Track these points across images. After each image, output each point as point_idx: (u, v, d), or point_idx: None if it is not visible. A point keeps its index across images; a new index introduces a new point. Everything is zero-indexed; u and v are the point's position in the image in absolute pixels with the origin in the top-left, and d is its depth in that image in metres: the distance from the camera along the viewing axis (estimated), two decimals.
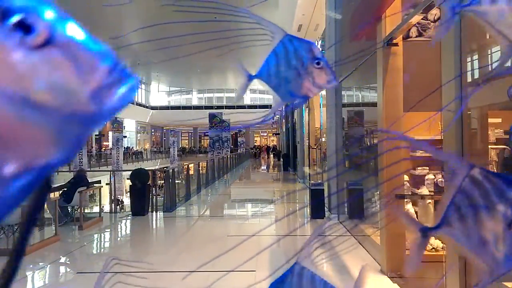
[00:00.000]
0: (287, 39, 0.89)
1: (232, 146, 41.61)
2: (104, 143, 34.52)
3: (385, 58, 4.66)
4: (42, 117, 0.37)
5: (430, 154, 0.72)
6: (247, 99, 53.26)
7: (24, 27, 0.38)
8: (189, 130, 55.80)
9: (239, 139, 42.82)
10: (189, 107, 50.95)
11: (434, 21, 4.69)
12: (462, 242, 0.67)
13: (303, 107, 15.50)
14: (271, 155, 44.80)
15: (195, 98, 54.01)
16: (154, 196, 9.81)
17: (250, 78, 0.99)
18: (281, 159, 27.14)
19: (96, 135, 32.95)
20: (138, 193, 9.07)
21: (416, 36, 4.84)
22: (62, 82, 0.39)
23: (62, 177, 15.43)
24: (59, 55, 0.40)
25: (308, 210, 8.59)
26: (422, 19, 4.49)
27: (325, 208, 8.48)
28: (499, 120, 4.47)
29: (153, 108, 49.02)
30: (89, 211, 9.58)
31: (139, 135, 45.14)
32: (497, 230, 0.62)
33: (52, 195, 8.46)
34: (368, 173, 8.31)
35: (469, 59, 3.07)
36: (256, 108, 50.80)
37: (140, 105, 45.87)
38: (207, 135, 29.55)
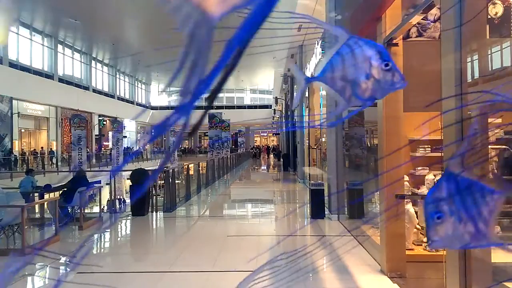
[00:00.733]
0: (353, 41, 0.89)
1: (233, 146, 41.64)
2: (104, 143, 34.51)
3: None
4: None
5: None
6: (247, 99, 53.24)
7: None
8: (189, 130, 55.70)
9: (239, 139, 42.79)
10: None
11: (434, 21, 4.70)
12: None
13: (303, 107, 15.49)
14: (271, 155, 44.78)
15: None
16: (154, 196, 9.81)
17: (308, 80, 0.98)
18: (281, 159, 27.14)
19: (96, 135, 32.96)
20: (137, 193, 9.06)
21: (416, 36, 4.84)
22: None
23: (62, 177, 15.42)
24: None
25: (308, 210, 8.59)
26: (422, 19, 4.49)
27: (325, 208, 8.47)
28: (499, 120, 4.47)
29: (153, 108, 49.03)
30: (89, 211, 9.58)
31: (139, 135, 45.12)
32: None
33: (52, 195, 8.47)
34: (368, 174, 8.33)
35: (469, 59, 3.07)
36: (256, 108, 50.81)
37: (140, 105, 45.88)
38: (207, 135, 29.54)
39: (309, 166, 14.37)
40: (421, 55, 4.99)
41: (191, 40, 0.50)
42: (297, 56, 17.19)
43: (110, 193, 10.14)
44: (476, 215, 0.81)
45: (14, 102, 22.81)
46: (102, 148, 33.16)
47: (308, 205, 8.68)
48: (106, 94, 36.64)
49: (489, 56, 3.59)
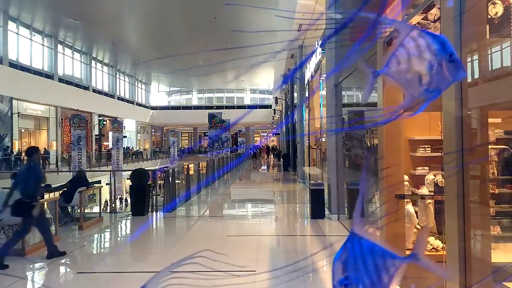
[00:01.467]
0: (416, 33, 0.89)
1: (234, 146, 41.62)
2: (104, 143, 34.52)
3: (385, 58, 4.66)
4: None
5: None
6: (247, 99, 53.27)
7: None
8: (189, 130, 55.82)
9: (239, 139, 42.80)
10: (189, 107, 50.99)
11: (434, 21, 4.69)
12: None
13: (303, 107, 15.50)
14: (271, 155, 44.74)
15: (195, 98, 54.03)
16: (154, 196, 9.81)
17: (376, 74, 0.98)
18: (281, 159, 27.14)
19: (96, 135, 32.96)
20: (138, 193, 9.08)
21: None
22: None
23: (63, 177, 15.43)
24: None
25: (308, 210, 8.59)
26: (422, 19, 4.49)
27: (325, 208, 8.48)
28: (499, 120, 4.47)
29: (153, 108, 49.05)
30: (89, 211, 9.58)
31: (139, 135, 45.14)
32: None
33: (52, 195, 8.46)
34: (368, 174, 8.32)
35: (469, 59, 3.07)
36: (256, 108, 50.79)
37: (140, 105, 45.89)
38: (207, 135, 29.54)
39: (309, 166, 14.37)
40: None
41: None
42: (297, 56, 17.20)
43: (110, 193, 10.15)
44: (376, 281, 0.78)
45: (14, 102, 22.81)
46: (102, 148, 33.19)
47: (308, 205, 8.69)
48: (106, 94, 36.64)
49: (489, 56, 3.59)
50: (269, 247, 6.37)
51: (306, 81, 14.35)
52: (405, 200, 4.95)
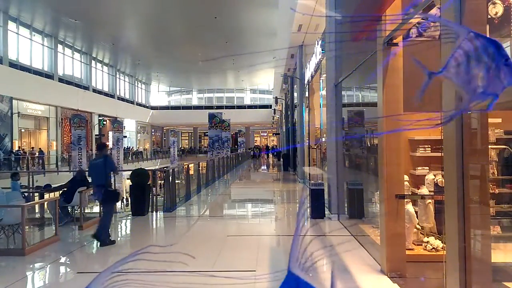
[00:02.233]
0: (473, 36, 0.90)
1: (235, 146, 41.60)
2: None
3: (385, 58, 4.66)
4: None
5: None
6: (247, 99, 53.27)
7: None
8: (189, 130, 55.83)
9: (239, 139, 42.80)
10: (189, 107, 51.00)
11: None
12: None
13: (303, 107, 15.50)
14: (271, 155, 44.69)
15: (195, 98, 54.03)
16: (154, 196, 9.80)
17: (432, 75, 0.99)
18: (281, 159, 27.14)
19: (96, 135, 32.97)
20: (138, 193, 9.08)
21: (416, 36, 4.84)
22: None
23: (63, 177, 15.42)
24: None
25: (308, 210, 8.59)
26: (422, 19, 4.49)
27: (325, 208, 8.47)
28: (499, 120, 4.47)
29: (153, 108, 49.06)
30: (89, 211, 9.58)
31: (139, 135, 45.14)
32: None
33: (52, 195, 8.46)
34: (368, 174, 8.32)
35: None
36: (256, 108, 50.81)
37: (140, 105, 45.89)
38: (207, 135, 29.56)
39: (309, 166, 14.37)
40: (421, 55, 4.98)
41: None
42: (297, 56, 17.20)
43: None
44: None
45: (14, 102, 22.81)
46: None
47: (308, 205, 8.68)
48: (106, 94, 36.64)
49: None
50: (269, 247, 6.37)
51: (306, 81, 14.35)
52: (405, 200, 4.95)
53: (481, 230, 3.18)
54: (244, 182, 19.70)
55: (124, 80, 41.73)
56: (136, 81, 45.10)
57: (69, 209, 8.32)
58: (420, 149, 5.55)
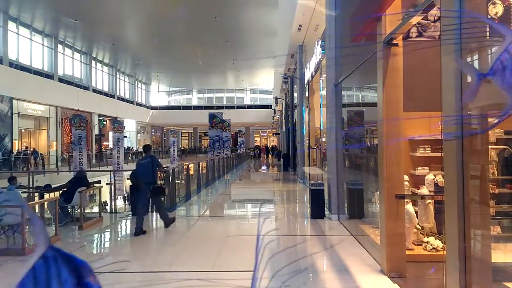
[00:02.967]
0: None
1: (235, 146, 41.58)
2: (104, 143, 34.53)
3: (385, 58, 4.66)
4: None
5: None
6: (247, 99, 53.28)
7: None
8: (189, 130, 55.83)
9: (239, 139, 42.78)
10: (189, 107, 51.00)
11: (434, 21, 4.69)
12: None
13: (303, 107, 15.49)
14: (271, 155, 44.70)
15: (195, 98, 54.03)
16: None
17: (481, 76, 0.99)
18: (281, 159, 27.14)
19: (96, 135, 32.99)
20: (138, 193, 9.07)
21: (416, 36, 4.84)
22: None
23: (63, 177, 15.43)
24: None
25: (308, 210, 8.59)
26: (422, 19, 4.49)
27: (325, 208, 8.47)
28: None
29: (153, 108, 49.06)
30: (89, 211, 9.58)
31: (139, 135, 45.15)
32: None
33: (52, 195, 8.46)
34: (368, 173, 8.33)
35: (469, 59, 3.07)
36: (256, 108, 50.82)
37: (140, 105, 45.90)
38: (207, 135, 29.56)
39: (309, 166, 14.37)
40: (421, 55, 4.99)
41: None
42: (297, 56, 17.20)
43: (110, 193, 10.14)
44: None
45: (14, 102, 22.81)
46: (102, 148, 33.18)
47: (308, 205, 8.69)
48: (106, 94, 36.65)
49: (489, 56, 3.59)
50: (269, 247, 6.36)
51: (306, 81, 14.35)
52: (405, 200, 4.95)
53: (481, 230, 3.18)
54: (244, 182, 19.70)
55: (124, 80, 41.73)
56: (136, 81, 45.11)
57: (69, 209, 8.32)
58: (420, 149, 5.55)
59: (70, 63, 30.64)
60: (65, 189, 8.32)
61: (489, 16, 3.32)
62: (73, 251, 6.38)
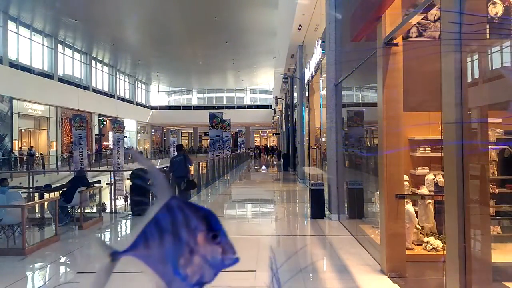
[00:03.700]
0: None
1: (235, 146, 41.56)
2: (104, 143, 34.52)
3: (385, 58, 4.66)
4: None
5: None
6: (247, 99, 53.29)
7: None
8: (189, 130, 55.83)
9: (239, 139, 42.79)
10: (189, 107, 51.01)
11: (434, 21, 4.69)
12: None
13: (303, 107, 15.49)
14: (271, 155, 44.65)
15: (195, 98, 54.03)
16: (154, 196, 9.78)
17: None
18: (281, 159, 27.14)
19: (96, 135, 32.98)
20: (138, 193, 9.07)
21: (416, 36, 4.84)
22: None
23: (62, 177, 15.41)
24: None
25: (308, 210, 8.59)
26: (422, 19, 4.49)
27: (325, 208, 8.47)
28: (499, 120, 4.47)
29: (153, 108, 49.06)
30: (89, 211, 9.58)
31: (139, 135, 45.14)
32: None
33: (52, 195, 8.46)
34: (368, 173, 8.33)
35: (469, 59, 3.07)
36: (256, 108, 50.82)
37: (140, 105, 45.89)
38: (207, 135, 29.55)
39: (309, 166, 14.37)
40: (421, 55, 4.99)
41: None
42: (297, 56, 17.20)
43: (110, 193, 10.14)
44: None
45: (14, 102, 22.81)
46: (102, 148, 33.17)
47: (308, 205, 8.69)
48: (106, 94, 36.65)
49: (489, 56, 3.59)
50: (269, 247, 6.36)
51: (306, 81, 14.36)
52: (405, 200, 4.95)
53: (481, 230, 3.18)
54: (244, 182, 19.70)
55: (124, 80, 41.73)
56: (136, 81, 45.11)
57: (69, 209, 8.31)
58: (420, 149, 5.55)
59: (70, 63, 30.64)
60: (65, 189, 8.31)
61: (489, 16, 3.32)
62: (73, 251, 6.38)
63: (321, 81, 11.27)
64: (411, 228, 5.25)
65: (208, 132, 25.81)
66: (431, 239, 5.17)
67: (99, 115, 33.56)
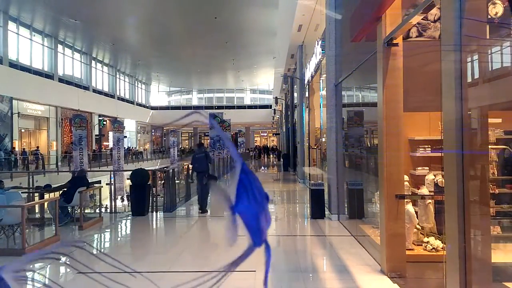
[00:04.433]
0: None
1: (235, 146, 41.48)
2: (104, 143, 34.52)
3: (385, 58, 4.66)
4: None
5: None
6: (247, 99, 53.29)
7: None
8: (189, 130, 55.83)
9: (239, 139, 42.77)
10: (189, 107, 51.00)
11: (434, 21, 4.70)
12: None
13: (303, 107, 15.49)
14: (271, 155, 44.64)
15: (195, 98, 54.03)
16: (154, 196, 9.80)
17: None
18: (281, 159, 27.13)
19: (96, 135, 32.98)
20: (138, 193, 9.08)
21: (416, 36, 4.84)
22: None
23: (63, 177, 15.41)
24: None
25: (308, 210, 8.59)
26: (422, 19, 4.49)
27: (325, 208, 8.47)
28: (499, 120, 4.47)
29: (153, 108, 49.06)
30: (89, 211, 9.58)
31: (139, 135, 45.14)
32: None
33: (52, 195, 8.46)
34: (368, 174, 8.33)
35: (469, 59, 3.07)
36: (256, 108, 50.84)
37: (140, 105, 45.90)
38: (207, 135, 29.54)
39: (309, 166, 14.37)
40: (421, 55, 4.99)
41: None
42: (297, 56, 17.20)
43: (110, 193, 10.15)
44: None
45: (14, 102, 22.81)
46: (102, 148, 33.17)
47: (308, 205, 8.69)
48: (106, 94, 36.65)
49: (489, 56, 3.59)
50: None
51: (306, 81, 14.35)
52: (405, 200, 4.95)
53: (481, 230, 3.18)
54: None
55: (124, 80, 41.73)
56: (136, 81, 45.11)
57: (69, 209, 8.31)
58: (420, 149, 5.55)
59: (70, 63, 30.64)
60: (65, 189, 8.31)
61: (489, 16, 3.32)
62: (73, 251, 6.39)
63: (321, 81, 11.27)
64: (411, 228, 5.25)
65: (208, 132, 25.79)
66: (431, 239, 5.17)
67: (99, 115, 33.56)
